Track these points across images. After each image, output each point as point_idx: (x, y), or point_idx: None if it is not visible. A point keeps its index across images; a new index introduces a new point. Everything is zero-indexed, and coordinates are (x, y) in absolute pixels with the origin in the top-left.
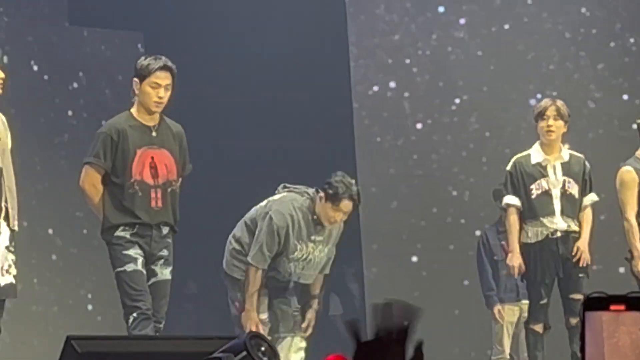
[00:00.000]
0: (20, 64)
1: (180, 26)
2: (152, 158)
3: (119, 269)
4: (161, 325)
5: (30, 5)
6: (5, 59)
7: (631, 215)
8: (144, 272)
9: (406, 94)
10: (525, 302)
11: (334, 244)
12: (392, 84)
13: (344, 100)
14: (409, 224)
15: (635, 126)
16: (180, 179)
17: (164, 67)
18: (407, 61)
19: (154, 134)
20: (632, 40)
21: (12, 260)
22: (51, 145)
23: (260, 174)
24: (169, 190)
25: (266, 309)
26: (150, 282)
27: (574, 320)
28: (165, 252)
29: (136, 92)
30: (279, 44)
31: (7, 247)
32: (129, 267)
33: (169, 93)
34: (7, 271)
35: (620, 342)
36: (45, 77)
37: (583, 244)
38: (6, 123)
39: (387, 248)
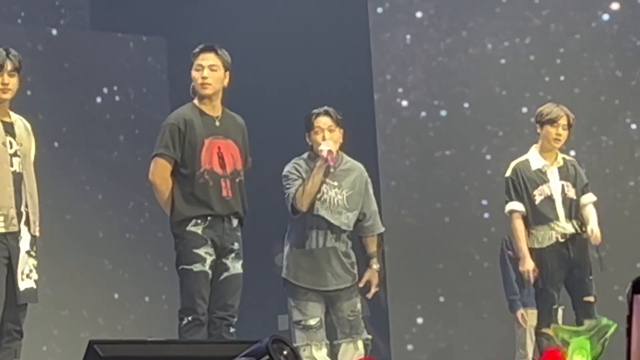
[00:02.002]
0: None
1: (203, 30)
2: (219, 148)
3: (185, 267)
4: (234, 319)
5: (49, 10)
6: (9, 64)
7: None
8: (210, 273)
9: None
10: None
11: (360, 194)
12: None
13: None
14: (435, 228)
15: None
16: (243, 172)
17: (206, 48)
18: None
19: (217, 123)
20: None
21: (34, 265)
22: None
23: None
24: (237, 180)
25: (317, 313)
26: (222, 277)
27: (588, 323)
28: (236, 245)
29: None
30: (303, 45)
31: (28, 252)
32: (196, 267)
33: (216, 74)
34: (28, 276)
35: None
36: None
37: (593, 224)
38: (30, 129)
39: (410, 250)
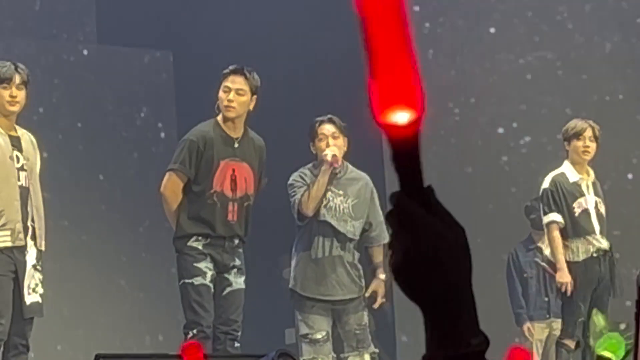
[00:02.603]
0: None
1: (210, 44)
2: (234, 170)
3: (186, 281)
4: (239, 334)
5: (57, 24)
6: (18, 78)
7: None
8: (212, 287)
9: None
10: (556, 320)
11: (365, 203)
12: None
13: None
14: None
15: None
16: (255, 194)
17: (236, 71)
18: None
19: (236, 145)
20: None
21: (39, 279)
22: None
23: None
24: (245, 204)
25: (324, 326)
26: (226, 292)
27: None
28: (237, 262)
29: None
30: (310, 57)
31: (34, 266)
32: (197, 280)
33: (243, 98)
34: (34, 290)
35: None
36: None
37: None
38: (36, 143)
39: None
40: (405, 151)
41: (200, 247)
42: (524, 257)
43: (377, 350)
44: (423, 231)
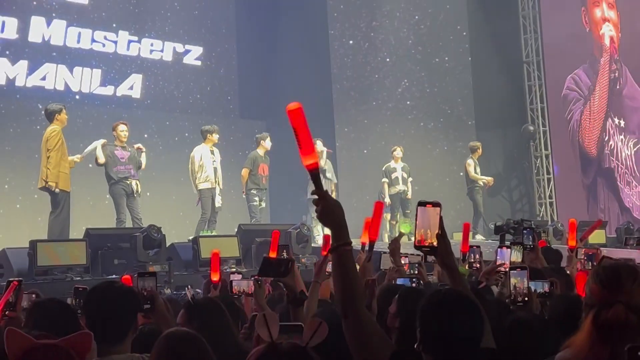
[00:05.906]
0: None
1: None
2: (264, 166)
3: (250, 204)
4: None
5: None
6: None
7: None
8: (259, 205)
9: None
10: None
11: (330, 170)
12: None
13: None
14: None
15: None
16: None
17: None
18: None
19: (264, 157)
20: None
21: (220, 198)
22: None
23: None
24: (267, 177)
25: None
26: (260, 207)
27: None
28: (264, 198)
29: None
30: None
31: (218, 194)
32: (254, 203)
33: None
34: (218, 203)
35: (429, 218)
36: None
37: (409, 187)
38: (218, 153)
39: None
40: (313, 174)
41: (255, 192)
42: None
43: None
44: (328, 202)
